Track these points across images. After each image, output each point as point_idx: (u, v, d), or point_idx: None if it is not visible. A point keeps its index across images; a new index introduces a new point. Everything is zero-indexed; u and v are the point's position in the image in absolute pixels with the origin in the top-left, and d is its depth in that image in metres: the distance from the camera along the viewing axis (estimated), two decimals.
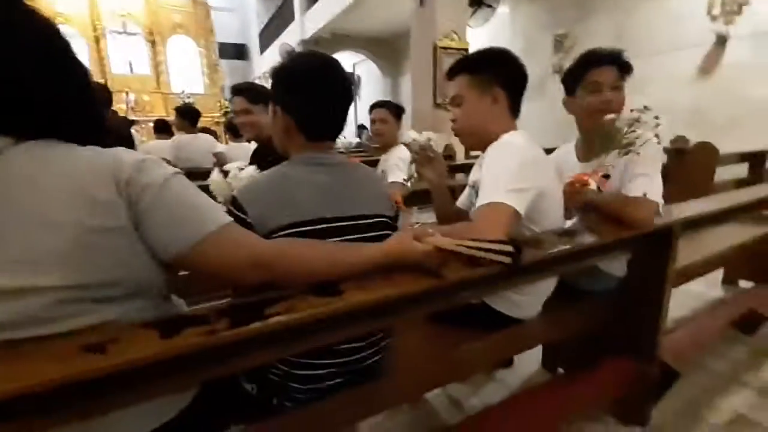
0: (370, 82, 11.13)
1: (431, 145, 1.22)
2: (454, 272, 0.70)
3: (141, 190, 0.53)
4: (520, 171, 0.90)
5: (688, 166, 3.08)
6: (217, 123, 10.25)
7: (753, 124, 4.09)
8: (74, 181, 0.50)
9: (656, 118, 1.06)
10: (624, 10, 5.14)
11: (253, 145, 3.32)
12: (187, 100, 9.50)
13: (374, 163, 2.16)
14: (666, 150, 1.16)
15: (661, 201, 1.08)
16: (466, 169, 3.83)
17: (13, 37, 0.50)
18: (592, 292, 1.24)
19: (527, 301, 1.06)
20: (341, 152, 2.25)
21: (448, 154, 4.57)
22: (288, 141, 0.83)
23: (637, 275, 1.19)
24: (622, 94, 1.18)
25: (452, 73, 1.09)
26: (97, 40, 9.28)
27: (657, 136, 1.08)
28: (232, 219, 0.60)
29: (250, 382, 0.82)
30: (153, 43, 10.18)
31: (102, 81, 7.78)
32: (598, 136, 1.13)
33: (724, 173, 3.17)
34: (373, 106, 2.28)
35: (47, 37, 0.54)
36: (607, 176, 1.15)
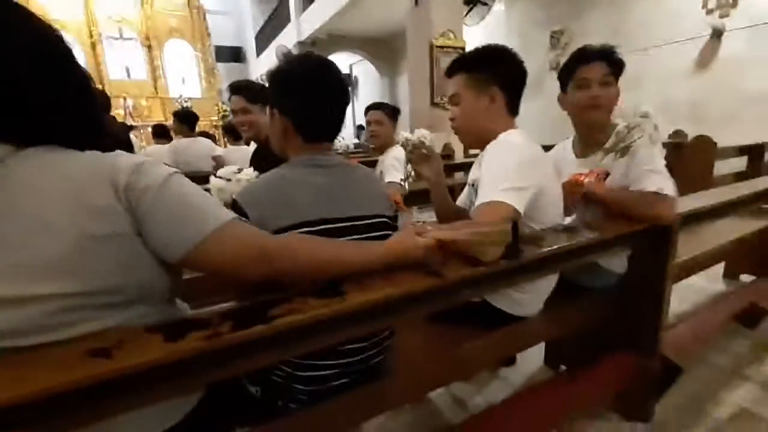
0: (368, 83, 11.13)
1: (424, 142, 1.22)
2: (455, 271, 0.71)
3: (140, 193, 0.53)
4: (519, 170, 0.90)
5: (686, 160, 3.09)
6: (216, 126, 10.27)
7: (751, 117, 4.09)
8: (74, 190, 0.50)
9: (656, 127, 1.06)
10: (619, 5, 5.15)
11: (252, 148, 3.33)
12: (184, 104, 9.51)
13: (372, 164, 2.16)
14: (664, 144, 1.17)
15: (676, 195, 1.08)
16: (465, 168, 3.84)
17: (8, 38, 0.50)
18: (592, 288, 1.25)
19: (528, 298, 1.06)
20: (340, 154, 2.25)
21: (447, 153, 4.57)
22: (286, 143, 0.83)
23: (637, 271, 1.19)
24: (612, 89, 1.18)
25: (451, 71, 1.09)
26: (93, 46, 9.29)
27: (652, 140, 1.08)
28: (235, 215, 0.60)
29: (254, 384, 0.82)
30: (149, 48, 10.20)
31: (99, 87, 7.79)
32: (615, 141, 1.13)
33: (722, 167, 3.18)
34: (368, 109, 2.28)
35: (43, 39, 0.54)
36: (606, 175, 1.15)
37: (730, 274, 2.35)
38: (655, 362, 1.21)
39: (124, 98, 9.49)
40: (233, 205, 0.74)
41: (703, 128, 3.54)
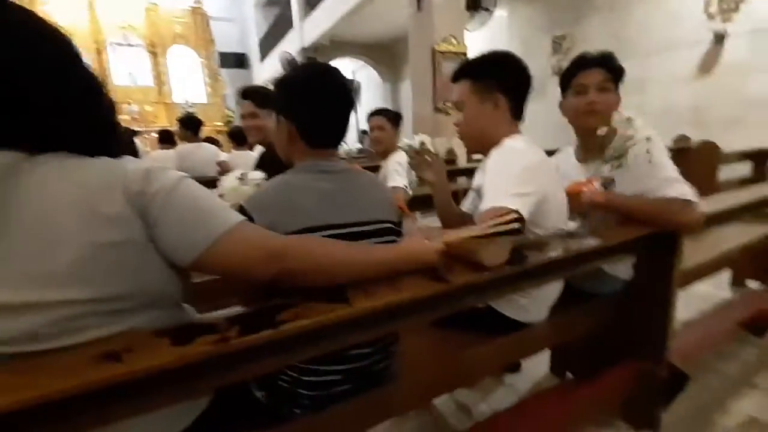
0: (370, 88, 11.21)
1: (427, 148, 1.22)
2: (460, 276, 0.70)
3: (151, 198, 0.53)
4: (523, 175, 0.91)
5: (690, 165, 3.07)
6: (220, 132, 10.33)
7: (754, 121, 4.09)
8: (86, 198, 0.50)
9: (648, 139, 1.06)
10: (621, 11, 5.18)
11: (256, 153, 3.35)
12: (189, 110, 9.59)
13: (374, 169, 2.17)
14: (667, 149, 1.17)
15: (697, 200, 1.07)
16: (468, 173, 3.84)
17: (19, 42, 0.50)
18: (598, 294, 1.24)
19: (534, 304, 1.06)
20: (343, 159, 2.26)
21: (450, 158, 4.58)
22: (291, 149, 0.84)
23: (643, 277, 1.18)
24: (610, 95, 1.18)
25: (455, 77, 1.10)
26: (98, 53, 9.41)
27: (648, 151, 1.07)
28: (244, 217, 0.60)
29: (260, 389, 0.82)
30: (154, 54, 10.32)
31: None
32: (609, 149, 1.13)
33: (726, 172, 3.17)
34: (371, 114, 2.30)
35: (53, 43, 0.54)
36: (609, 182, 1.15)
37: (736, 281, 2.33)
38: (662, 370, 1.20)
39: (129, 104, 9.59)
40: (240, 211, 0.74)
41: (706, 133, 3.54)
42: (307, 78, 0.81)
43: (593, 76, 1.18)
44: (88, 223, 0.50)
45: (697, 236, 1.72)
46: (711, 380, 1.53)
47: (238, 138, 3.71)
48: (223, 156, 3.81)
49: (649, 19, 4.89)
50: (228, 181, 1.18)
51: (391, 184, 2.03)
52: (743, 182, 3.26)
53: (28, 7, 0.54)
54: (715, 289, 2.24)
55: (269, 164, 1.24)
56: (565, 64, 1.29)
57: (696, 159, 2.97)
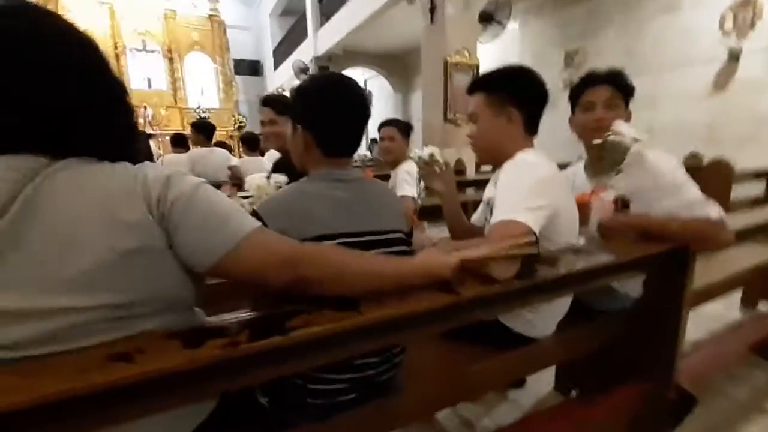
0: (381, 98, 11.29)
1: (437, 159, 1.24)
2: (470, 289, 0.71)
3: (170, 204, 0.54)
4: (535, 189, 0.91)
5: (702, 183, 3.02)
6: (232, 137, 10.48)
7: None
8: (107, 205, 0.51)
9: (635, 140, 1.06)
10: (634, 26, 5.18)
11: (267, 159, 3.39)
12: (202, 115, 9.76)
13: (383, 177, 2.19)
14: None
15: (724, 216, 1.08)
16: (477, 184, 3.85)
17: (45, 46, 0.50)
18: (606, 312, 1.23)
19: (541, 319, 1.05)
20: (357, 166, 2.30)
21: (459, 168, 4.58)
22: (307, 157, 0.86)
23: (653, 295, 1.17)
24: (619, 112, 1.18)
25: (471, 89, 1.11)
26: (117, 58, 9.63)
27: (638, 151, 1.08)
28: (261, 223, 0.61)
29: (265, 395, 0.82)
30: (171, 60, 10.55)
31: None
32: (605, 157, 1.14)
33: (739, 191, 3.12)
34: (382, 125, 2.32)
35: (81, 46, 0.54)
36: (624, 204, 1.15)
37: (747, 302, 2.28)
38: (670, 391, 1.17)
39: (145, 107, 9.79)
40: (253, 216, 0.76)
41: (719, 151, 3.50)
42: (326, 88, 0.83)
43: (601, 93, 1.19)
44: (108, 229, 0.51)
45: (709, 256, 1.70)
46: (720, 403, 1.50)
47: (250, 143, 3.76)
48: (235, 161, 3.86)
49: (663, 35, 4.88)
50: (256, 179, 1.21)
51: (400, 193, 2.05)
52: (756, 201, 3.22)
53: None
54: (725, 309, 2.20)
55: (284, 171, 1.26)
56: (577, 78, 1.30)
57: (708, 177, 2.93)
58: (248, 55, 14.85)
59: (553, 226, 0.94)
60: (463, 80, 4.75)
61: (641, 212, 1.12)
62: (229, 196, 0.74)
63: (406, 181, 2.10)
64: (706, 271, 1.54)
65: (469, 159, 4.90)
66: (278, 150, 1.92)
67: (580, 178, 1.31)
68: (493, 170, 1.18)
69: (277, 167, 1.83)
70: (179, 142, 4.10)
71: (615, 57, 5.27)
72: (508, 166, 0.99)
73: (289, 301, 0.62)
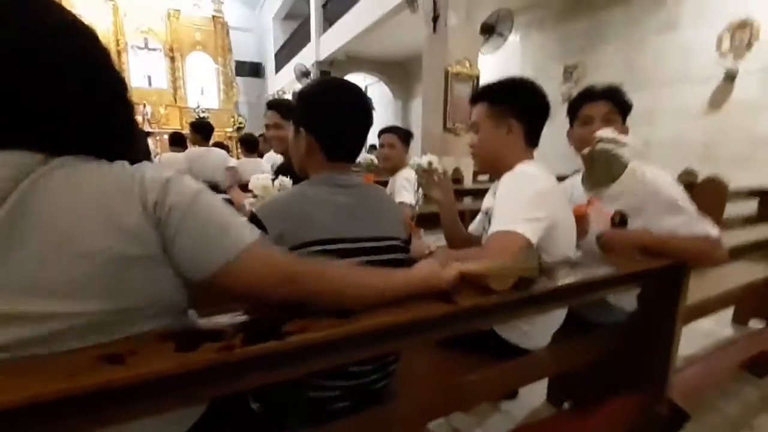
0: (382, 104, 11.36)
1: (435, 167, 1.26)
2: (467, 299, 0.70)
3: (168, 210, 0.52)
4: (534, 201, 0.91)
5: (696, 200, 3.05)
6: (230, 138, 10.47)
7: (763, 159, 4.10)
8: (103, 208, 0.49)
9: (616, 143, 1.08)
10: (633, 43, 5.26)
11: (265, 161, 3.38)
12: (201, 115, 9.75)
13: (381, 184, 2.19)
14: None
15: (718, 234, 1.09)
16: (474, 193, 3.86)
17: (44, 35, 0.48)
18: (600, 325, 1.23)
19: (536, 331, 1.05)
20: (357, 171, 2.30)
21: (456, 177, 4.60)
22: (309, 161, 0.85)
23: (647, 310, 1.17)
24: (616, 127, 1.19)
25: (473, 100, 1.12)
26: (118, 54, 9.62)
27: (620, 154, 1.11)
28: (260, 233, 0.59)
29: (257, 401, 0.81)
30: (172, 59, 10.57)
31: None
32: (594, 168, 1.16)
33: (732, 209, 3.16)
34: (382, 132, 2.33)
35: (83, 38, 0.53)
36: (622, 220, 1.16)
37: (739, 319, 2.30)
38: (662, 406, 1.17)
39: (144, 105, 9.77)
40: (252, 219, 0.75)
41: (715, 168, 3.55)
42: (331, 92, 0.83)
43: (599, 108, 1.20)
44: (104, 234, 0.49)
45: (702, 272, 1.71)
46: (711, 419, 1.50)
47: (249, 145, 3.75)
48: (233, 162, 3.85)
49: (662, 53, 4.96)
50: (261, 180, 1.20)
51: (398, 199, 2.05)
52: (748, 220, 3.25)
53: None
54: (717, 325, 2.21)
55: (287, 174, 1.26)
56: (575, 92, 1.32)
57: (702, 194, 2.96)
58: (250, 57, 14.91)
59: (550, 238, 0.95)
60: (463, 90, 4.79)
61: (640, 228, 1.13)
62: (231, 203, 0.73)
63: (405, 188, 2.11)
64: (699, 287, 1.55)
65: (467, 168, 4.93)
66: (282, 154, 1.94)
67: (578, 191, 1.32)
68: (491, 180, 1.19)
69: (280, 171, 1.84)
70: (177, 142, 4.08)
71: (613, 72, 5.34)
72: (507, 177, 1.00)
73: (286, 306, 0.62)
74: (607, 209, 1.16)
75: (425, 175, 1.28)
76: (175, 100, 10.65)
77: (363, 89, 0.88)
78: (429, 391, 0.95)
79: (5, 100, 0.48)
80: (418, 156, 1.33)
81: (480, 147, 1.11)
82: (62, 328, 0.49)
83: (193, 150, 3.79)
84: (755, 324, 2.23)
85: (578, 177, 1.37)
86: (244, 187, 1.86)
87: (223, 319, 0.61)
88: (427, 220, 2.00)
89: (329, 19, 9.40)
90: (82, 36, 0.53)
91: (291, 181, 1.22)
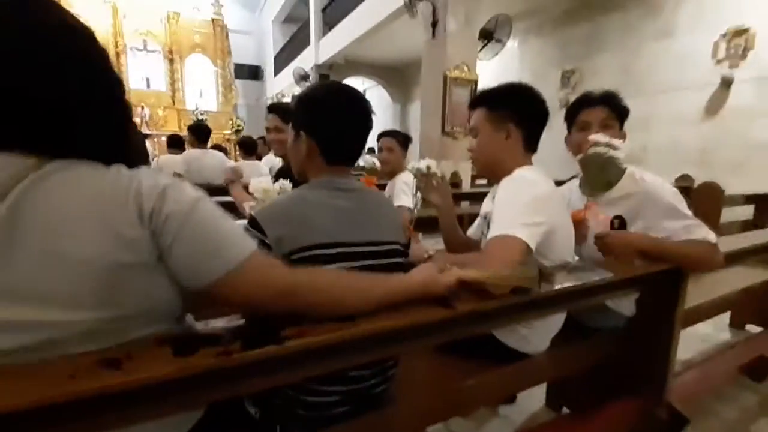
0: (380, 108, 11.38)
1: (434, 172, 1.26)
2: (466, 304, 0.70)
3: (165, 219, 0.51)
4: (533, 205, 0.92)
5: (693, 205, 3.06)
6: (228, 140, 10.47)
7: (758, 166, 4.14)
8: (99, 216, 0.48)
9: (607, 146, 1.09)
10: (630, 49, 5.30)
11: (264, 164, 3.38)
12: (200, 117, 9.75)
13: (379, 187, 2.19)
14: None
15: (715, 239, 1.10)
16: (472, 197, 3.87)
17: (39, 33, 0.47)
18: (599, 329, 1.23)
19: (535, 335, 1.05)
20: (359, 174, 2.31)
21: (454, 181, 4.61)
22: (308, 164, 0.85)
23: (646, 314, 1.18)
24: (614, 132, 1.20)
25: (473, 104, 1.13)
26: (117, 56, 9.61)
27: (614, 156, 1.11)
28: (257, 244, 0.59)
29: (255, 405, 0.81)
30: (171, 61, 10.57)
31: None
32: (588, 173, 1.16)
33: (728, 214, 3.18)
34: (381, 135, 2.33)
35: (81, 37, 0.52)
36: (621, 224, 1.17)
37: (736, 324, 2.31)
38: (661, 410, 1.17)
39: (142, 107, 9.76)
40: (251, 222, 0.75)
41: (710, 174, 3.57)
42: (332, 96, 0.83)
43: (596, 114, 1.21)
44: (99, 243, 0.48)
45: (699, 277, 1.72)
46: (710, 423, 1.50)
47: (247, 148, 3.75)
48: (231, 165, 3.85)
49: (658, 60, 5.00)
50: (262, 183, 1.20)
51: (397, 203, 2.06)
52: (744, 225, 3.27)
53: None
54: (714, 330, 2.22)
55: (287, 178, 1.26)
56: (573, 98, 1.33)
57: (698, 200, 2.98)
58: (249, 60, 14.93)
59: (549, 243, 0.95)
60: (461, 95, 4.81)
61: (640, 231, 1.13)
62: (233, 213, 0.72)
63: (404, 192, 2.11)
64: (696, 292, 1.56)
65: (465, 172, 4.94)
66: (282, 157, 1.95)
67: (576, 195, 1.33)
68: (489, 184, 1.20)
69: (280, 174, 1.84)
70: (175, 144, 4.08)
71: (610, 78, 5.38)
72: (506, 182, 1.00)
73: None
74: (606, 214, 1.16)
75: (424, 179, 1.28)
76: (174, 102, 10.65)
77: (362, 93, 0.88)
78: (428, 396, 0.95)
79: (3, 100, 0.47)
80: (416, 160, 1.33)
81: (479, 152, 1.11)
82: (60, 335, 0.48)
83: (190, 152, 3.79)
84: (752, 328, 2.24)
85: (576, 182, 1.37)
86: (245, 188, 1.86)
87: (221, 324, 0.60)
88: (426, 224, 2.00)
89: (328, 23, 9.44)
90: (81, 36, 0.52)
91: (291, 185, 1.22)
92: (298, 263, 0.72)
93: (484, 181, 4.83)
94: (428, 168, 1.27)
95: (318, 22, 9.92)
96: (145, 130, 9.24)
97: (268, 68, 14.45)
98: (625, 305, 1.21)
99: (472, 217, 1.36)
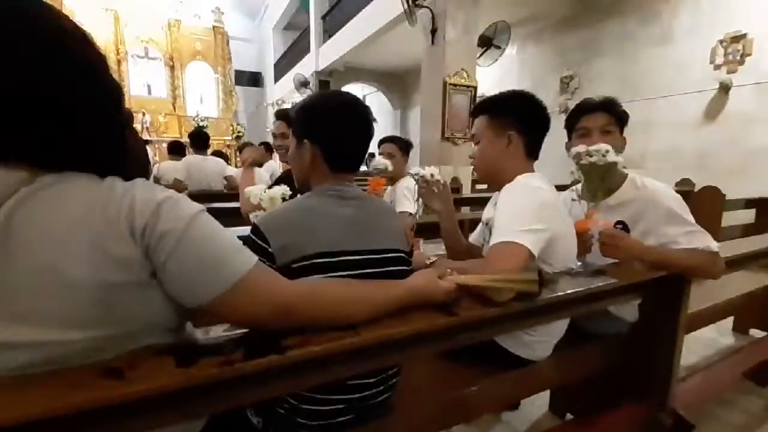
0: (380, 114, 11.42)
1: (437, 180, 1.27)
2: (469, 311, 0.70)
3: (159, 237, 0.49)
4: (535, 212, 0.92)
5: (693, 209, 3.06)
6: (229, 146, 10.50)
7: (756, 170, 4.14)
8: (88, 233, 0.46)
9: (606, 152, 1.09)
10: (628, 55, 5.33)
11: (264, 170, 3.39)
12: (201, 123, 9.79)
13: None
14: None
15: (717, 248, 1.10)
16: (472, 202, 3.87)
17: (47, 41, 0.47)
18: (602, 335, 1.22)
19: (538, 342, 1.04)
20: (360, 179, 2.32)
21: (455, 187, 4.62)
22: (312, 172, 0.85)
23: (649, 319, 1.17)
24: (614, 138, 1.20)
25: (475, 112, 1.13)
26: (118, 63, 9.67)
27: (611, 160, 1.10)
28: (257, 259, 0.57)
29: (257, 415, 0.80)
30: (172, 68, 10.63)
31: None
32: (590, 183, 1.16)
33: (728, 218, 3.17)
34: (382, 141, 2.34)
35: (83, 45, 0.51)
36: (623, 227, 1.17)
37: (740, 328, 2.30)
38: (665, 416, 1.16)
39: (143, 114, 9.80)
40: (255, 232, 0.75)
41: (709, 179, 3.56)
42: (334, 103, 0.84)
43: (597, 120, 1.21)
44: (93, 263, 0.46)
45: (702, 282, 1.71)
46: (714, 429, 1.49)
47: None
48: (230, 171, 3.87)
49: (656, 66, 5.02)
50: (270, 192, 1.21)
51: (399, 209, 2.06)
52: (746, 229, 3.26)
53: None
54: (718, 335, 2.21)
55: (289, 184, 1.27)
56: (572, 103, 1.34)
57: (699, 204, 2.98)
58: (249, 67, 15.01)
59: (551, 249, 0.95)
60: (461, 100, 4.83)
61: (640, 240, 1.13)
62: (228, 211, 0.72)
63: (406, 197, 2.12)
64: (699, 297, 1.55)
65: (466, 177, 4.95)
66: (288, 163, 1.96)
67: (576, 208, 1.32)
68: (490, 189, 1.20)
69: (280, 181, 1.85)
70: (176, 150, 4.09)
71: (609, 83, 5.40)
72: (508, 189, 1.00)
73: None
74: (608, 220, 1.16)
75: (425, 185, 1.29)
76: (175, 108, 10.69)
77: (362, 99, 0.89)
78: (430, 404, 0.94)
79: (2, 103, 0.46)
80: (416, 166, 1.34)
81: (480, 159, 1.12)
82: (56, 354, 0.47)
83: (190, 158, 3.81)
84: (756, 333, 2.22)
85: (577, 188, 1.37)
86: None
87: (223, 333, 0.60)
88: (427, 230, 2.00)
89: (329, 30, 9.50)
90: (78, 41, 0.51)
91: (289, 191, 1.22)
92: (301, 272, 0.72)
93: (484, 186, 4.83)
94: (432, 175, 1.28)
95: (318, 29, 9.98)
96: (146, 136, 9.27)
97: (269, 75, 14.52)
98: (628, 310, 1.21)
99: (473, 222, 1.37)
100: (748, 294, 1.77)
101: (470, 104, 4.78)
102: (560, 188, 1.27)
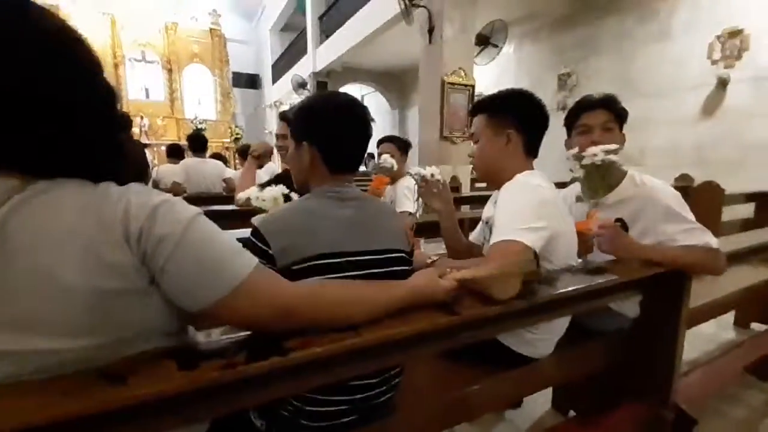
0: (378, 114, 11.42)
1: (437, 180, 1.27)
2: (471, 309, 0.70)
3: (156, 242, 0.49)
4: (535, 210, 0.92)
5: (693, 205, 3.06)
6: (227, 148, 10.51)
7: (755, 164, 4.14)
8: (81, 240, 0.46)
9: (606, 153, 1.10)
10: (626, 52, 5.32)
11: (263, 172, 3.39)
12: (199, 126, 9.80)
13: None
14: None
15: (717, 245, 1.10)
16: (472, 201, 3.87)
17: (43, 44, 0.46)
18: (603, 332, 1.22)
19: (540, 339, 1.04)
20: (360, 180, 2.34)
21: (454, 185, 4.62)
22: (311, 173, 0.85)
23: (651, 316, 1.17)
24: (614, 135, 1.20)
25: (474, 111, 1.13)
26: (115, 67, 9.68)
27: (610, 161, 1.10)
28: (257, 261, 0.56)
29: (261, 418, 0.80)
30: (170, 71, 10.64)
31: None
32: (591, 182, 1.16)
33: (728, 213, 3.17)
34: (381, 141, 2.34)
35: (78, 47, 0.50)
36: (622, 225, 1.16)
37: (740, 323, 2.30)
38: (668, 412, 1.16)
39: (141, 117, 9.81)
40: (255, 234, 0.75)
41: (708, 174, 3.57)
42: (332, 104, 0.84)
43: (597, 117, 1.21)
44: (89, 270, 0.46)
45: (702, 277, 1.71)
46: (717, 423, 1.49)
47: (246, 155, 3.77)
48: (229, 173, 3.87)
49: (654, 63, 5.02)
50: (272, 192, 1.21)
51: (400, 208, 2.07)
52: (745, 224, 3.26)
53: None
54: (719, 329, 2.21)
55: (286, 184, 1.27)
56: (570, 101, 1.34)
57: (699, 199, 2.98)
58: (247, 69, 14.99)
59: (552, 247, 0.95)
60: (459, 99, 4.82)
61: (639, 238, 1.13)
62: (226, 213, 0.72)
63: (406, 197, 2.13)
64: (699, 292, 1.55)
65: (465, 176, 4.94)
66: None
67: (576, 208, 1.32)
68: (489, 188, 1.20)
69: (278, 180, 1.85)
70: (174, 153, 4.09)
71: (607, 81, 5.40)
72: (508, 187, 1.00)
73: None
74: (607, 217, 1.16)
75: (425, 185, 1.28)
76: (173, 111, 10.71)
77: (359, 99, 0.89)
78: (433, 403, 0.94)
79: (2, 103, 0.45)
80: (414, 165, 1.34)
81: (480, 157, 1.12)
82: (53, 362, 0.47)
83: (189, 161, 3.81)
84: (757, 327, 2.23)
85: (576, 186, 1.37)
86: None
87: (224, 335, 0.60)
88: (427, 229, 2.00)
89: (326, 31, 9.49)
90: (78, 42, 0.51)
91: (287, 190, 1.22)
92: (302, 273, 0.72)
93: (483, 185, 4.83)
94: (432, 175, 1.28)
95: (315, 30, 9.98)
96: (144, 139, 9.28)
97: (266, 77, 14.50)
98: (629, 307, 1.21)
99: (473, 221, 1.37)
100: (749, 288, 1.77)
101: (468, 103, 4.78)
102: (560, 186, 1.27)
